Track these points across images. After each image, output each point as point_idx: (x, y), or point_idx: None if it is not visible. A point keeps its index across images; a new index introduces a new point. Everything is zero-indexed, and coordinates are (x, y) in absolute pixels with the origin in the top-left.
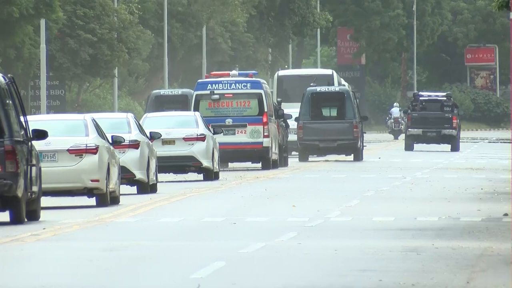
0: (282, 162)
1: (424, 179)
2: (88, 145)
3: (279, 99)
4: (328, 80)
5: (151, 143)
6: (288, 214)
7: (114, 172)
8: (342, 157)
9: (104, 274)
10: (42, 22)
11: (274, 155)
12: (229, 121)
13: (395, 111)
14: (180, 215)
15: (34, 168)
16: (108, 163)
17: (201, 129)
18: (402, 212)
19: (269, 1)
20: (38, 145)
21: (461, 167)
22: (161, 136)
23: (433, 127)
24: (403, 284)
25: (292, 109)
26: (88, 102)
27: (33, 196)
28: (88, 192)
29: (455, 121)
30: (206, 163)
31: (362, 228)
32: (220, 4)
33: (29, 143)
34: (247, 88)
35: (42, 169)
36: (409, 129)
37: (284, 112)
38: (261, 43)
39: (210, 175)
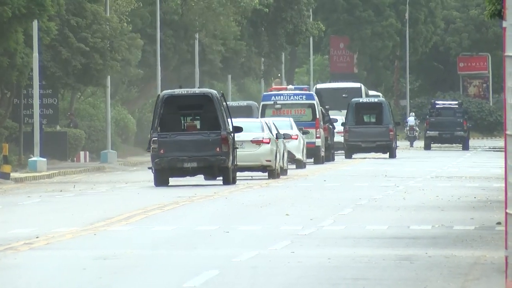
0: (330, 158)
1: (417, 187)
2: (264, 137)
3: (327, 107)
4: (357, 92)
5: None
6: (281, 222)
7: (278, 156)
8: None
9: (98, 282)
10: (35, 31)
11: (323, 152)
12: None
13: (411, 120)
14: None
15: (235, 150)
16: (276, 150)
17: (295, 131)
18: (395, 221)
19: (260, 11)
20: None
21: (454, 176)
22: (285, 137)
23: (447, 129)
24: None
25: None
26: (81, 111)
27: (234, 167)
28: (263, 168)
29: (465, 125)
30: (298, 156)
31: (355, 237)
32: (211, 11)
33: (233, 134)
34: (302, 99)
35: None
36: (428, 132)
37: (331, 117)
38: (252, 53)
39: (300, 165)
